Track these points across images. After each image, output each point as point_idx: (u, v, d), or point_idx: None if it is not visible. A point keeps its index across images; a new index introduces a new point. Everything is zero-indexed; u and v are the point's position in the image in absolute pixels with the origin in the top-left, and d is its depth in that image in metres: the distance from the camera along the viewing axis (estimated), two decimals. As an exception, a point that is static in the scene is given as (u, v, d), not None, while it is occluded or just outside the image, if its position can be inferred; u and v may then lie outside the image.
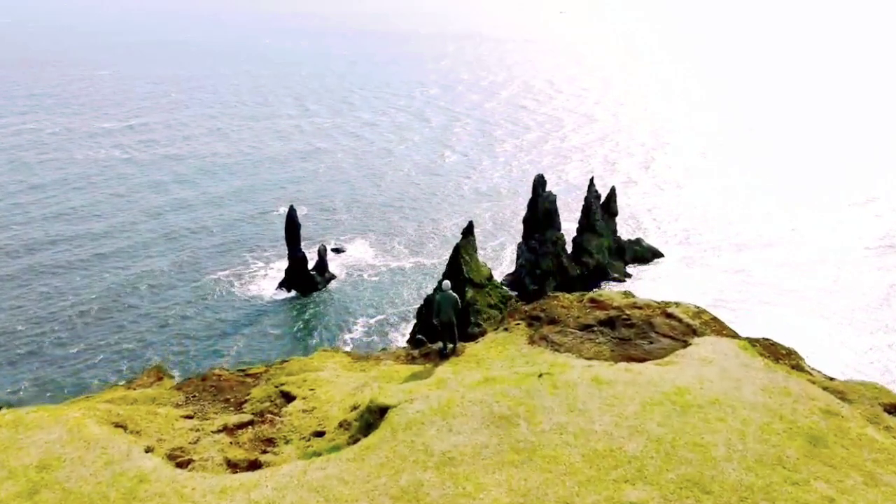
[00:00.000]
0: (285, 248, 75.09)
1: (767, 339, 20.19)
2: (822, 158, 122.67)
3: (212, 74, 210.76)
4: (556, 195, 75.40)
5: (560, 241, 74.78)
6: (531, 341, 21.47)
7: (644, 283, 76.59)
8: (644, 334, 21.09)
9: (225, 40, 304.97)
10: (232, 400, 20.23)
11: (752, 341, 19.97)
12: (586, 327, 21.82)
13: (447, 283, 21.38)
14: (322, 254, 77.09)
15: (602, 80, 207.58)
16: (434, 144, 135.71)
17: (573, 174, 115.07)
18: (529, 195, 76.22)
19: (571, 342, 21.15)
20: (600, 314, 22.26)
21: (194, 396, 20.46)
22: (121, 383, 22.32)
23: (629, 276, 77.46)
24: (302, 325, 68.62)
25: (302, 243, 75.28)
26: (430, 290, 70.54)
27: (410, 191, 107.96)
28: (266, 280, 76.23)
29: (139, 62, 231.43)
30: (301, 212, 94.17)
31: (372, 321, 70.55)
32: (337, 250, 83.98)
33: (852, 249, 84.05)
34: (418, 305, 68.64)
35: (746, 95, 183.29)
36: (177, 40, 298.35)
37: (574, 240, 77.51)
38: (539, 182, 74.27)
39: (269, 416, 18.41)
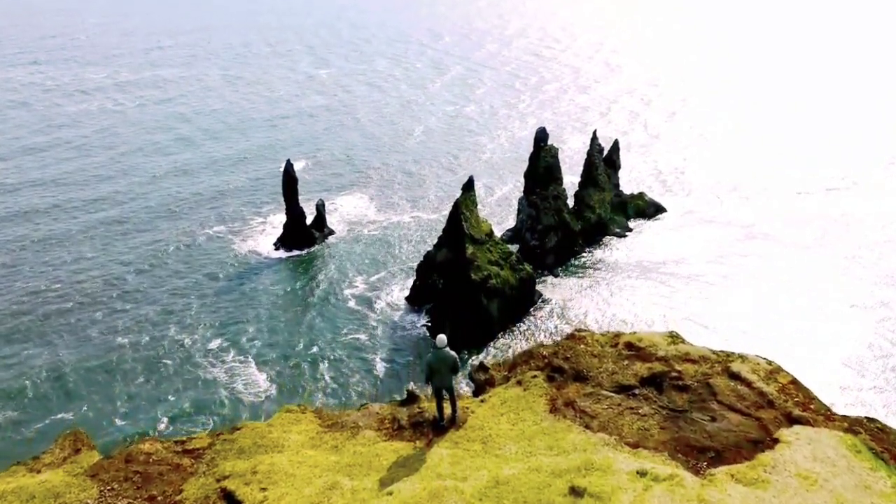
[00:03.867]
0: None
1: (873, 420, 13.94)
2: (843, 121, 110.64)
3: (216, 24, 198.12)
4: (558, 148, 68.08)
5: (562, 195, 67.88)
6: (553, 408, 15.21)
7: (645, 238, 70.18)
8: (703, 404, 14.80)
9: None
10: (159, 498, 14.10)
11: (855, 424, 13.68)
12: (625, 389, 15.51)
13: (443, 338, 14.95)
14: (320, 209, 70.35)
15: (619, 28, 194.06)
16: (449, 96, 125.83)
17: (593, 127, 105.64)
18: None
19: (607, 413, 14.89)
20: (641, 368, 15.92)
21: (111, 490, 14.32)
22: (31, 457, 16.08)
23: (630, 230, 70.90)
24: (298, 285, 62.51)
25: (305, 197, 68.62)
26: (430, 247, 64.14)
27: (422, 144, 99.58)
28: (264, 236, 69.73)
29: (138, 10, 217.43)
30: (305, 165, 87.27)
31: (372, 278, 64.38)
32: (336, 205, 77.27)
33: (868, 210, 75.61)
34: (418, 262, 62.53)
35: (775, 54, 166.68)
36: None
37: (576, 194, 70.57)
38: (540, 135, 66.84)
39: (196, 548, 12.28)
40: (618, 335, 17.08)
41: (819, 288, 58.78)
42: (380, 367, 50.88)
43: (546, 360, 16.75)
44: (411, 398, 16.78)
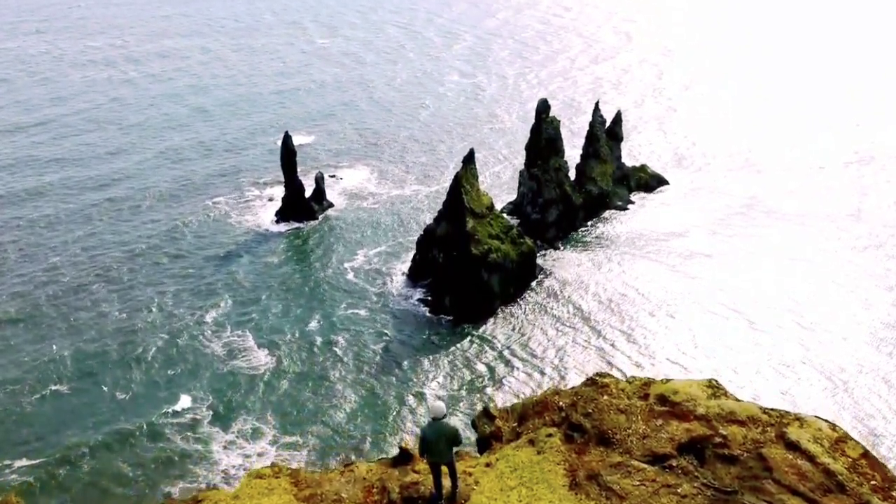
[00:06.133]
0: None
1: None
2: (862, 94, 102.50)
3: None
4: (559, 120, 63.94)
5: (563, 168, 64.01)
6: (574, 482, 12.06)
7: (647, 211, 66.48)
8: (755, 482, 11.61)
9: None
10: None
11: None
12: (659, 459, 12.31)
13: (440, 406, 11.69)
14: (319, 182, 66.61)
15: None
16: (459, 65, 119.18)
17: (605, 98, 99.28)
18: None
19: (639, 492, 11.73)
20: (678, 431, 12.68)
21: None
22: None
23: (632, 202, 67.15)
24: (297, 259, 59.24)
25: (314, 169, 64.61)
26: (430, 220, 60.61)
27: (432, 115, 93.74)
28: (265, 210, 66.20)
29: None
30: (314, 139, 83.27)
31: (371, 252, 60.93)
32: (335, 177, 73.44)
33: (885, 187, 70.45)
34: (418, 236, 59.13)
35: (794, 24, 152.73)
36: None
37: (577, 166, 66.62)
38: (541, 107, 62.61)
39: None
40: (647, 384, 13.80)
41: (830, 266, 55.33)
42: (378, 346, 48.07)
43: (563, 414, 13.53)
44: (404, 457, 13.62)
